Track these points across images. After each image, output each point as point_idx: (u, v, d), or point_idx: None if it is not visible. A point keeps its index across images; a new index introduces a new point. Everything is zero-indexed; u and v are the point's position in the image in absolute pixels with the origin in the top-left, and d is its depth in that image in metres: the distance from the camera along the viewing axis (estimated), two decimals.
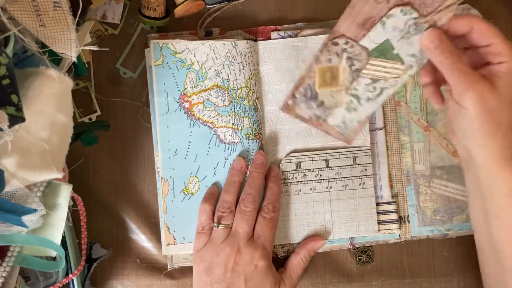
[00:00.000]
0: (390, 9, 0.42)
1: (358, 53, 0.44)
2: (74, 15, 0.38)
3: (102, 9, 0.56)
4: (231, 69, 0.53)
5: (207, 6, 0.54)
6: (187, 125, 0.53)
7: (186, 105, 0.52)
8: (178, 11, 0.52)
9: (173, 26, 0.56)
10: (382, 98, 0.46)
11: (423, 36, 0.42)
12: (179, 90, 0.52)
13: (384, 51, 0.44)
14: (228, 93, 0.53)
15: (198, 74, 0.52)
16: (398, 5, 0.42)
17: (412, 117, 0.55)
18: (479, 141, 0.41)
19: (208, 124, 0.53)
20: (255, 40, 0.55)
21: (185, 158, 0.53)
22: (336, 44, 0.44)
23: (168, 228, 0.53)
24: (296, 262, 0.52)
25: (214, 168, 0.53)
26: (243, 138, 0.53)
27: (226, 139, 0.53)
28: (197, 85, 0.53)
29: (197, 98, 0.52)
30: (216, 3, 0.54)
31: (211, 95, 0.53)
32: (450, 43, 0.41)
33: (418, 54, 0.44)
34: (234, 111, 0.53)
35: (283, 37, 0.55)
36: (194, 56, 0.52)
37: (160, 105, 0.52)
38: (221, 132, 0.53)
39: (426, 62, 0.44)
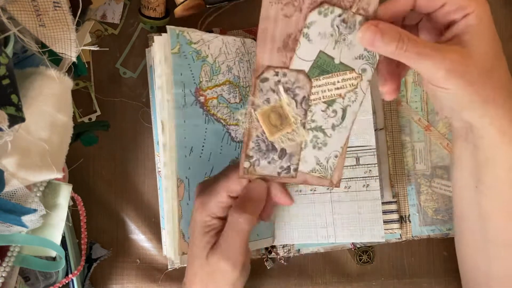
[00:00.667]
0: (306, 17, 0.35)
1: (295, 79, 0.37)
2: (74, 15, 0.38)
3: (102, 9, 0.56)
4: (241, 66, 0.52)
5: (207, 6, 0.54)
6: (202, 120, 0.49)
7: (201, 99, 0.48)
8: (178, 11, 0.52)
9: (173, 26, 0.56)
10: (350, 119, 0.39)
11: (359, 35, 0.35)
12: (195, 83, 0.48)
13: (323, 66, 0.37)
14: (239, 90, 0.52)
15: (212, 67, 0.49)
16: (313, 9, 0.35)
17: (413, 117, 0.55)
18: (478, 112, 0.37)
19: (221, 121, 0.50)
20: (256, 40, 0.55)
21: (200, 156, 0.49)
22: (266, 79, 0.37)
23: (183, 235, 0.47)
24: (228, 220, 0.41)
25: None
26: None
27: (236, 137, 0.51)
28: (212, 79, 0.49)
29: (212, 92, 0.49)
30: (216, 3, 0.54)
31: (224, 91, 0.50)
32: (393, 28, 0.34)
33: (365, 53, 0.37)
34: (245, 109, 0.52)
35: None
36: (208, 49, 0.49)
37: (177, 97, 0.47)
38: (233, 130, 0.51)
39: (379, 57, 0.37)
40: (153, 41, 0.47)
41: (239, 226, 0.39)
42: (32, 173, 0.39)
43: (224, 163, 0.51)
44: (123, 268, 0.57)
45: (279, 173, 0.40)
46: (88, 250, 0.56)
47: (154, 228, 0.57)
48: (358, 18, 0.35)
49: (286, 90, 0.38)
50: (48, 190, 0.44)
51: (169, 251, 0.51)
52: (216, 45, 0.50)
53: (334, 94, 0.38)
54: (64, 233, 0.49)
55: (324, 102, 0.38)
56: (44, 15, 0.37)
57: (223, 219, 0.41)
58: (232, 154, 0.51)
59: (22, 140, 0.38)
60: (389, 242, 0.55)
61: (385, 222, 0.54)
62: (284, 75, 0.37)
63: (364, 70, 0.37)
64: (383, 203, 0.54)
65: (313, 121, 0.39)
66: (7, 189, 0.39)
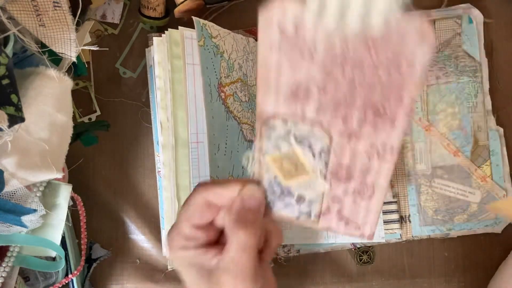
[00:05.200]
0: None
1: (309, 131, 0.31)
2: (74, 15, 0.38)
3: (102, 9, 0.56)
4: (248, 65, 0.52)
5: (207, 6, 0.54)
6: (225, 117, 0.47)
7: (222, 95, 0.46)
8: (178, 11, 0.52)
9: (173, 26, 0.56)
10: None
11: None
12: (217, 78, 0.46)
13: None
14: (247, 88, 0.51)
15: (228, 64, 0.48)
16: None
17: (413, 117, 0.55)
18: None
19: (237, 119, 0.49)
20: (256, 40, 0.55)
21: (225, 154, 0.47)
22: (274, 128, 0.32)
23: None
24: (227, 240, 0.34)
25: (242, 168, 0.50)
26: None
27: (247, 136, 0.51)
28: (228, 75, 0.48)
29: (229, 89, 0.48)
30: (216, 3, 0.54)
31: (238, 89, 0.49)
32: None
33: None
34: (251, 108, 0.51)
35: None
36: (224, 44, 0.48)
37: (206, 92, 0.44)
38: (245, 129, 0.50)
39: None
40: (153, 41, 0.47)
41: (244, 243, 0.33)
42: (31, 173, 0.39)
43: (240, 162, 0.48)
44: (123, 268, 0.57)
45: (297, 217, 0.35)
46: (88, 250, 0.56)
47: (154, 228, 0.56)
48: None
49: (299, 140, 0.32)
50: (48, 190, 0.44)
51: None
52: (229, 42, 0.49)
53: None
54: (64, 233, 0.49)
55: None
56: (44, 15, 0.37)
57: (196, 248, 0.35)
58: (245, 154, 0.50)
59: (22, 140, 0.38)
60: (389, 242, 0.55)
61: (385, 222, 0.54)
62: (296, 124, 0.31)
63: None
64: (383, 203, 0.54)
65: None
66: (6, 189, 0.39)
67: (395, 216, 0.54)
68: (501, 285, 0.48)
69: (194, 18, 0.44)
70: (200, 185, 0.35)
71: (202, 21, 0.45)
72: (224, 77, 0.48)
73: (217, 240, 0.36)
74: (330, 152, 0.32)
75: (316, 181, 0.33)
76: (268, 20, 0.28)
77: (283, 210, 0.35)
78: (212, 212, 0.35)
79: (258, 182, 0.34)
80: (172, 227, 0.36)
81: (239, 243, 0.33)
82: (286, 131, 0.32)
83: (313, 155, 0.32)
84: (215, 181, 0.38)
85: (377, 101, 0.29)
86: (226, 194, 0.34)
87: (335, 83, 0.29)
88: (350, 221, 0.36)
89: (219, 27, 0.48)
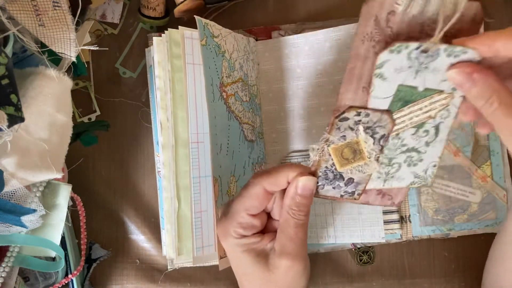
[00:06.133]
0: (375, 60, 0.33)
1: (378, 119, 0.36)
2: (74, 14, 0.38)
3: (102, 9, 0.56)
4: (248, 65, 0.52)
5: (207, 6, 0.54)
6: (226, 117, 0.47)
7: (224, 95, 0.47)
8: (178, 11, 0.52)
9: (173, 25, 0.56)
10: (444, 133, 0.38)
11: (449, 73, 0.32)
12: (218, 78, 0.46)
13: (406, 97, 0.35)
14: (248, 88, 0.51)
15: (229, 63, 0.48)
16: (385, 48, 0.32)
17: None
18: None
19: (238, 118, 0.49)
20: (256, 40, 0.55)
21: (227, 154, 0.47)
22: (346, 119, 0.36)
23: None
24: (283, 220, 0.40)
25: (243, 167, 0.50)
26: (257, 137, 0.52)
27: (248, 136, 0.51)
28: (229, 75, 0.48)
29: (230, 89, 0.48)
30: (216, 3, 0.54)
31: (239, 88, 0.50)
32: (488, 84, 0.31)
33: None
34: (252, 108, 0.51)
35: (283, 37, 0.55)
36: (226, 44, 0.48)
37: (208, 92, 0.44)
38: (246, 129, 0.50)
39: None
40: (153, 41, 0.46)
41: (299, 221, 0.39)
42: (31, 173, 0.39)
43: (242, 162, 0.50)
44: (123, 268, 0.57)
45: (342, 196, 0.41)
46: (87, 251, 0.56)
47: (154, 228, 0.56)
48: (442, 46, 0.32)
49: (366, 128, 0.36)
50: (48, 190, 0.44)
51: (168, 251, 0.51)
52: (230, 41, 0.49)
53: (423, 118, 0.37)
54: (63, 233, 0.49)
55: (413, 127, 0.37)
56: (44, 15, 0.37)
57: (253, 235, 0.41)
58: (246, 154, 0.51)
59: (22, 140, 0.38)
60: (390, 243, 0.55)
61: (386, 222, 0.54)
62: (367, 115, 0.36)
63: (455, 88, 0.35)
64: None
65: (403, 145, 0.38)
66: (6, 189, 0.39)
67: (395, 216, 0.54)
68: (491, 270, 0.48)
69: (196, 17, 0.44)
70: (256, 176, 0.40)
71: (204, 20, 0.45)
72: (226, 76, 0.48)
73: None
74: (388, 138, 0.37)
75: (370, 165, 0.38)
76: (368, 13, 0.32)
77: (330, 191, 0.40)
78: (268, 199, 0.40)
79: (311, 172, 0.39)
80: (226, 217, 0.41)
81: (296, 224, 0.39)
82: (356, 121, 0.36)
83: (373, 142, 0.37)
84: (267, 170, 0.40)
85: None
86: (281, 181, 0.39)
87: None
88: (386, 194, 0.43)
89: (220, 27, 0.48)
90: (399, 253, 0.56)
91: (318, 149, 0.38)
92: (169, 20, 0.55)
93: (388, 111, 0.36)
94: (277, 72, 0.55)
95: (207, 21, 0.46)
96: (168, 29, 0.48)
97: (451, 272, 0.55)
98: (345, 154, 0.38)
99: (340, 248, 0.55)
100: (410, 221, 0.54)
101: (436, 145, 0.39)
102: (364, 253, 0.55)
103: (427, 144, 0.39)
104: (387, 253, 0.56)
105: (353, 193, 0.41)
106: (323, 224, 0.54)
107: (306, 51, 0.54)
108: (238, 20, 0.56)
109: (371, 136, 0.37)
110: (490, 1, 0.55)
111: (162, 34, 0.48)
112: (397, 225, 0.54)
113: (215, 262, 0.52)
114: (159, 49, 0.49)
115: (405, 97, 0.35)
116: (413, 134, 0.38)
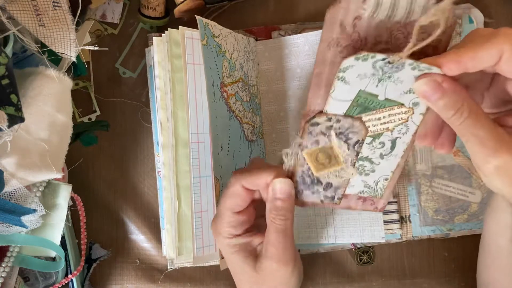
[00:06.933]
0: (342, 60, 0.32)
1: (350, 125, 0.35)
2: (74, 14, 0.38)
3: (102, 9, 0.56)
4: (248, 65, 0.52)
5: (207, 6, 0.54)
6: (227, 117, 0.47)
7: (225, 95, 0.47)
8: (178, 11, 0.52)
9: (173, 26, 0.56)
10: (400, 148, 0.37)
11: (415, 85, 0.31)
12: (219, 78, 0.46)
13: (365, 104, 0.34)
14: (248, 88, 0.51)
15: (230, 63, 0.48)
16: (352, 54, 0.31)
17: None
18: None
19: (239, 118, 0.49)
20: (256, 40, 0.55)
21: (227, 154, 0.47)
22: (317, 124, 0.35)
23: None
24: (267, 224, 0.40)
25: (244, 167, 0.50)
26: (257, 137, 0.52)
27: (248, 136, 0.51)
28: (230, 75, 0.48)
29: (231, 89, 0.48)
30: (216, 3, 0.54)
31: (239, 88, 0.50)
32: (457, 94, 0.30)
33: None
34: (252, 108, 0.52)
35: (283, 37, 0.55)
36: (226, 44, 0.48)
37: (209, 91, 0.44)
38: (246, 129, 0.51)
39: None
40: (153, 41, 0.46)
41: (280, 228, 0.39)
42: (31, 173, 0.39)
43: (242, 162, 0.50)
44: (123, 268, 0.57)
45: (322, 201, 0.40)
46: (87, 250, 0.56)
47: (153, 228, 0.56)
48: (408, 61, 0.31)
49: (338, 134, 0.36)
50: (48, 190, 0.44)
51: (168, 251, 0.51)
52: (230, 41, 0.49)
53: (380, 129, 0.36)
54: (63, 233, 0.49)
55: (370, 136, 0.36)
56: (44, 15, 0.37)
57: (245, 233, 0.41)
58: (247, 154, 0.51)
59: (22, 140, 0.38)
60: (390, 243, 0.55)
61: (386, 222, 0.54)
62: (338, 121, 0.35)
63: (416, 104, 0.35)
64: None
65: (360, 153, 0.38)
66: (6, 189, 0.39)
67: (395, 216, 0.54)
68: (482, 261, 0.49)
69: (197, 17, 0.44)
70: (236, 174, 0.39)
71: (205, 20, 0.45)
72: (226, 76, 0.48)
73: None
74: (363, 144, 0.37)
75: (346, 170, 0.38)
76: (333, 19, 0.32)
77: (310, 197, 0.40)
78: (250, 195, 0.40)
79: (289, 175, 0.38)
80: (215, 218, 0.41)
81: (276, 229, 0.39)
82: (328, 127, 0.35)
83: (348, 147, 0.36)
84: (247, 169, 0.40)
85: None
86: (259, 182, 0.39)
87: None
88: (367, 199, 0.42)
89: (220, 27, 0.48)
90: (399, 253, 0.56)
91: (291, 153, 0.37)
92: (169, 20, 0.55)
93: (359, 118, 0.35)
94: (277, 72, 0.55)
95: (208, 21, 0.46)
96: (168, 29, 0.48)
97: (451, 272, 0.55)
98: (320, 159, 0.37)
99: (340, 248, 0.55)
100: (410, 221, 0.54)
101: (390, 159, 0.39)
102: (364, 253, 0.55)
103: (382, 156, 0.39)
104: (387, 253, 0.56)
105: (332, 197, 0.40)
106: (323, 224, 0.54)
107: (306, 51, 0.54)
108: (238, 20, 0.56)
109: (345, 141, 0.36)
110: (490, 1, 0.55)
111: (162, 34, 0.48)
112: (397, 225, 0.54)
113: (215, 262, 0.53)
114: (159, 49, 0.49)
115: (364, 103, 0.34)
116: (368, 144, 0.37)
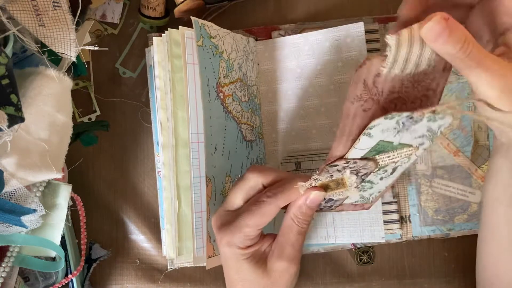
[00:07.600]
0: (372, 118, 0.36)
1: (364, 165, 0.40)
2: (74, 14, 0.38)
3: (102, 9, 0.56)
4: (247, 65, 0.52)
5: (207, 6, 0.54)
6: (223, 117, 0.47)
7: (221, 95, 0.47)
8: (178, 11, 0.52)
9: (173, 26, 0.56)
10: (398, 172, 0.43)
11: (426, 28, 0.32)
12: (215, 78, 0.47)
13: (381, 149, 0.38)
14: (247, 88, 0.51)
15: (227, 64, 0.49)
16: (381, 115, 0.35)
17: None
18: None
19: (236, 119, 0.50)
20: (256, 40, 0.55)
21: (222, 155, 0.47)
22: (335, 165, 0.39)
23: (210, 238, 0.45)
24: (286, 225, 0.43)
25: (241, 167, 0.51)
26: (257, 137, 0.52)
27: (246, 136, 0.51)
28: (227, 75, 0.49)
29: (228, 89, 0.49)
30: (216, 3, 0.54)
31: (237, 89, 0.50)
32: (460, 29, 0.32)
33: (427, 133, 0.38)
34: (251, 108, 0.52)
35: (283, 37, 0.55)
36: (223, 44, 0.48)
37: (204, 91, 0.45)
38: (244, 129, 0.51)
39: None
40: (153, 41, 0.46)
41: (302, 229, 0.42)
42: (31, 173, 0.39)
43: (239, 162, 0.50)
44: (123, 268, 0.57)
45: (321, 209, 0.45)
46: (87, 250, 0.56)
47: (153, 228, 0.56)
48: (427, 114, 0.35)
49: (352, 171, 0.40)
50: (48, 190, 0.44)
51: (168, 251, 0.51)
52: (228, 42, 0.49)
53: (387, 162, 0.41)
54: (63, 233, 0.49)
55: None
56: (44, 15, 0.37)
57: (256, 244, 0.43)
58: (244, 154, 0.51)
59: (22, 140, 0.38)
60: (390, 243, 0.55)
61: (386, 222, 0.54)
62: (354, 163, 0.39)
63: (421, 144, 0.39)
64: (383, 203, 0.54)
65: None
66: (6, 189, 0.39)
67: (395, 216, 0.54)
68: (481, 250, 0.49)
69: (192, 18, 0.45)
70: (270, 195, 0.42)
71: (200, 21, 0.46)
72: (223, 77, 0.48)
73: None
74: (370, 174, 0.41)
75: (350, 191, 0.42)
76: (358, 78, 0.35)
77: None
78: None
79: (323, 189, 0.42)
80: (230, 227, 0.42)
81: (299, 231, 0.42)
82: (343, 167, 0.39)
83: (356, 177, 0.41)
84: (279, 188, 0.42)
85: None
86: (293, 197, 0.42)
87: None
88: (358, 204, 0.47)
89: (218, 27, 0.48)
90: (399, 253, 0.56)
91: (304, 186, 0.41)
92: (169, 20, 0.55)
93: (373, 159, 0.39)
94: (277, 72, 0.55)
95: (204, 21, 0.46)
96: (168, 29, 0.48)
97: (451, 272, 0.55)
98: (329, 187, 0.42)
99: (340, 248, 0.55)
100: (410, 221, 0.54)
101: (388, 180, 0.44)
102: (364, 253, 0.55)
103: (381, 179, 0.43)
104: (387, 253, 0.56)
105: (330, 206, 0.45)
106: (323, 224, 0.54)
107: (306, 51, 0.54)
108: (238, 20, 0.56)
109: (355, 174, 0.41)
110: None
111: (162, 34, 0.48)
112: (397, 225, 0.54)
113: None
114: (159, 49, 0.49)
115: (380, 148, 0.38)
116: (373, 172, 0.42)
